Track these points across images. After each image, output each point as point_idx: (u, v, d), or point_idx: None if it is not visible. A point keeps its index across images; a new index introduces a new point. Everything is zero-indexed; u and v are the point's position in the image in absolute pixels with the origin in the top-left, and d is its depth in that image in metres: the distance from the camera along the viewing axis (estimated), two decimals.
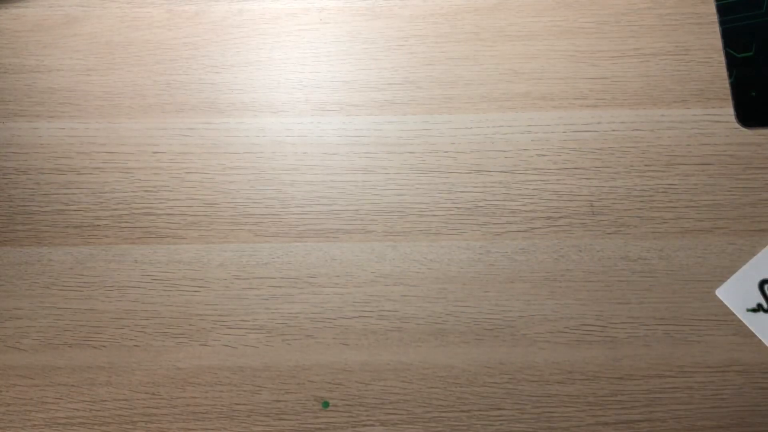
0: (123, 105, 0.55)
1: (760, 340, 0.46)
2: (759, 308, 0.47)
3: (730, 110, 0.52)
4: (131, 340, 0.48)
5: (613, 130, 0.52)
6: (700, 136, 0.52)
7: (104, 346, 0.48)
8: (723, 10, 0.55)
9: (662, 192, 0.50)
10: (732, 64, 0.54)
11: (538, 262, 0.49)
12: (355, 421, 0.46)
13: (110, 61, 0.57)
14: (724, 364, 0.46)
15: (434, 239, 0.50)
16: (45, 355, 0.48)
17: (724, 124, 0.52)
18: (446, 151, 0.52)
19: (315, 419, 0.46)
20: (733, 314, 0.47)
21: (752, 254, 0.48)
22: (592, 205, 0.50)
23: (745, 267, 0.48)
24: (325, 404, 0.46)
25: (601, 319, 0.48)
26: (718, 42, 0.55)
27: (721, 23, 0.55)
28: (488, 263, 0.49)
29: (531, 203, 0.51)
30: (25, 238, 0.52)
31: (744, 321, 0.47)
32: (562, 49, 0.55)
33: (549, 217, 0.50)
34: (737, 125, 0.52)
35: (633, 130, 0.52)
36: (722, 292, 0.48)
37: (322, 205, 0.52)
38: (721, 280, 0.48)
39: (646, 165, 0.51)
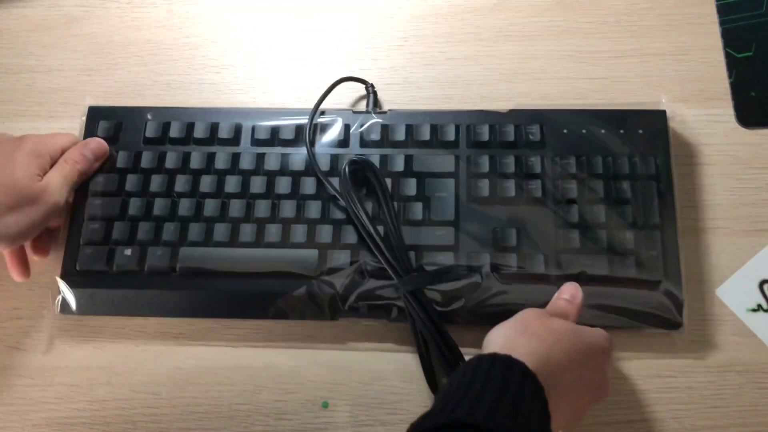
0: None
1: (760, 340, 0.46)
2: (759, 308, 0.47)
3: (730, 110, 0.52)
4: (131, 339, 0.48)
5: None
6: (700, 136, 0.52)
7: (104, 346, 0.48)
8: (723, 10, 0.55)
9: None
10: (732, 64, 0.54)
11: None
12: (355, 421, 0.46)
13: (110, 61, 0.57)
14: (724, 364, 0.46)
15: None
16: (45, 355, 0.48)
17: (724, 124, 0.52)
18: None
19: (315, 419, 0.46)
20: (733, 314, 0.47)
21: (752, 254, 0.48)
22: None
23: (745, 267, 0.48)
24: (325, 404, 0.46)
25: None
26: (718, 42, 0.55)
27: (721, 23, 0.55)
28: None
29: None
30: None
31: (744, 321, 0.47)
32: (562, 49, 0.55)
33: None
34: (737, 125, 0.52)
35: None
36: (722, 292, 0.48)
37: None
38: (721, 280, 0.48)
39: None
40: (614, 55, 0.55)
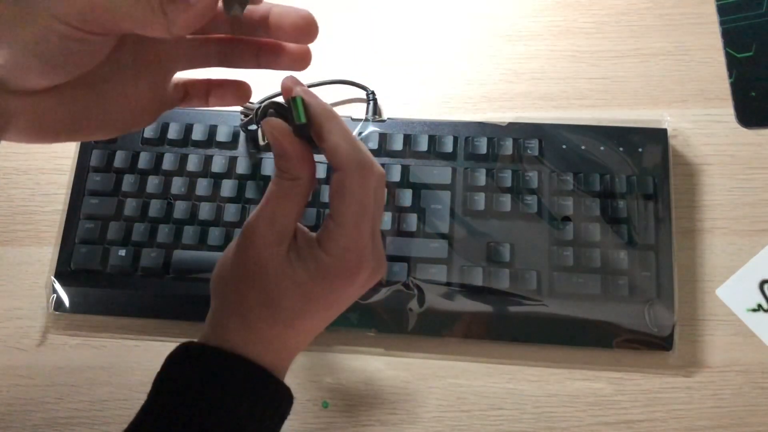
0: None
1: (760, 340, 0.46)
2: (759, 308, 0.47)
3: (730, 110, 0.52)
4: (131, 340, 0.48)
5: None
6: (700, 136, 0.52)
7: (104, 346, 0.48)
8: (723, 10, 0.55)
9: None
10: (732, 64, 0.54)
11: None
12: (355, 421, 0.46)
13: None
14: (724, 364, 0.46)
15: None
16: (45, 355, 0.48)
17: (724, 124, 0.52)
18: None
19: (315, 419, 0.46)
20: (733, 314, 0.47)
21: (752, 254, 0.48)
22: None
23: (745, 267, 0.48)
24: (325, 404, 0.46)
25: None
26: (718, 42, 0.55)
27: (721, 23, 0.55)
28: None
29: None
30: (25, 238, 0.52)
31: (744, 321, 0.47)
32: (562, 49, 0.55)
33: None
34: (737, 125, 0.52)
35: None
36: (722, 292, 0.48)
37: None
38: (721, 280, 0.48)
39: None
40: (614, 55, 0.55)
